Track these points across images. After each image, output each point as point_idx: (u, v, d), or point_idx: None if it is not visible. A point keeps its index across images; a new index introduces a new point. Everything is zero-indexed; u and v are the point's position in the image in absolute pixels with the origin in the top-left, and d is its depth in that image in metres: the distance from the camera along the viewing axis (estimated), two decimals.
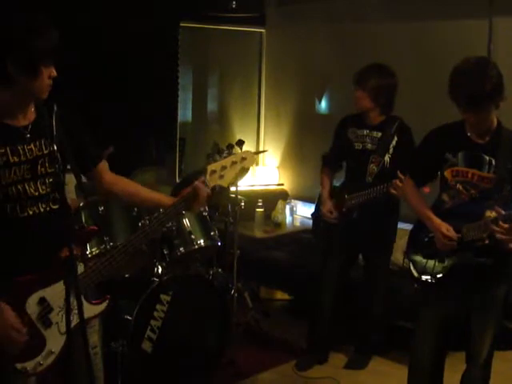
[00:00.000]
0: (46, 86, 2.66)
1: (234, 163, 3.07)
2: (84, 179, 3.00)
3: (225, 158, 3.09)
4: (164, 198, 3.11)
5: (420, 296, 3.74)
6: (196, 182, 3.02)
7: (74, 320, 2.63)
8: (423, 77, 5.88)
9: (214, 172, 3.03)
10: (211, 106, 7.85)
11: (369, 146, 4.80)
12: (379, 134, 4.78)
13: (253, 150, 6.33)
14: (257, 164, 7.36)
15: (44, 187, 2.76)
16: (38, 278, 2.72)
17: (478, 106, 3.25)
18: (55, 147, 2.57)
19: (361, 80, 4.71)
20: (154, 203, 3.11)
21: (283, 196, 7.11)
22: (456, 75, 3.31)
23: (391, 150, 4.74)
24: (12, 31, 2.56)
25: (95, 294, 2.93)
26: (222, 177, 3.05)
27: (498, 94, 3.24)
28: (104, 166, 3.09)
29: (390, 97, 4.74)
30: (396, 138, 4.74)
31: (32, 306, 2.71)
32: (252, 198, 6.23)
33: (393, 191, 4.45)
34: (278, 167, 7.54)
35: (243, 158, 3.11)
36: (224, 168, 3.05)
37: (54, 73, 2.67)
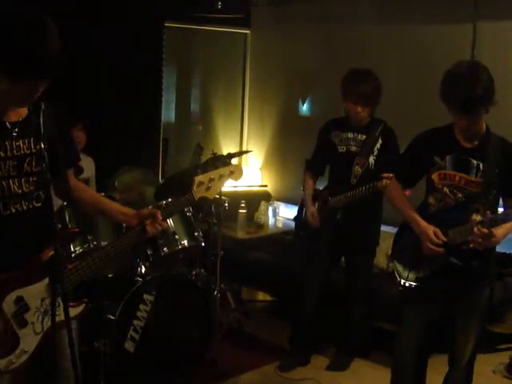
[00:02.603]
0: (29, 97, 2.56)
1: (221, 176, 3.13)
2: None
3: (213, 170, 3.15)
4: (121, 211, 3.04)
5: (403, 298, 3.76)
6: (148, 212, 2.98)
7: (49, 321, 2.62)
8: (408, 79, 5.92)
9: (201, 183, 3.06)
10: (195, 106, 7.85)
11: (353, 148, 4.84)
12: (363, 137, 4.81)
13: (236, 151, 6.27)
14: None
15: (27, 185, 2.73)
16: (17, 276, 2.70)
17: (470, 109, 3.27)
18: (42, 145, 2.55)
19: (366, 99, 4.71)
20: (112, 215, 3.08)
21: (266, 197, 7.11)
22: (448, 78, 3.33)
23: (376, 152, 4.79)
24: (13, 37, 2.44)
25: (72, 296, 2.89)
26: (208, 188, 3.09)
27: (489, 97, 3.27)
28: (71, 170, 3.06)
29: (378, 99, 4.78)
30: (380, 141, 4.79)
31: (9, 304, 2.67)
32: (235, 199, 6.23)
33: (380, 187, 4.46)
34: (260, 168, 7.55)
35: (231, 172, 3.17)
36: (212, 180, 3.09)
37: (44, 87, 2.56)
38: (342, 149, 4.88)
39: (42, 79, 2.54)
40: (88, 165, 5.61)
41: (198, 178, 3.06)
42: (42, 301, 2.73)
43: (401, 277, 3.66)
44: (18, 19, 2.46)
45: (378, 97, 4.77)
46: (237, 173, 3.19)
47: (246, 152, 7.20)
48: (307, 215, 5.00)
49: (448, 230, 3.43)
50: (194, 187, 3.05)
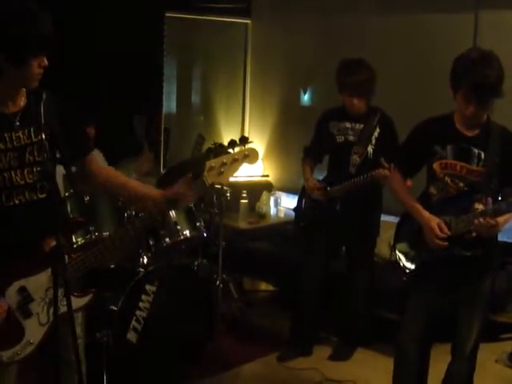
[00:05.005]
0: (35, 75, 2.62)
1: (235, 160, 2.90)
2: (74, 169, 2.97)
3: (226, 153, 2.92)
4: (152, 191, 3.05)
5: (407, 288, 3.75)
6: (180, 181, 2.93)
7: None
8: (409, 69, 5.90)
9: (212, 168, 2.87)
10: (196, 96, 7.83)
11: (351, 138, 4.83)
12: (361, 126, 4.80)
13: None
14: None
15: (31, 176, 2.73)
16: (19, 267, 2.70)
17: (482, 95, 3.23)
18: (43, 136, 2.55)
19: (360, 90, 4.68)
20: (142, 196, 3.03)
21: (268, 187, 7.10)
22: (460, 64, 3.29)
23: (374, 141, 4.78)
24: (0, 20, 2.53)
25: (78, 286, 2.89)
26: (220, 174, 2.88)
27: (500, 86, 3.23)
28: (92, 157, 3.06)
29: (373, 89, 4.76)
30: (378, 129, 4.78)
31: (11, 295, 2.68)
32: (236, 189, 6.22)
33: (377, 175, 4.48)
34: (262, 159, 7.52)
35: (246, 156, 2.94)
36: (224, 165, 2.88)
37: (45, 62, 2.62)
38: (340, 139, 4.86)
39: (43, 55, 2.61)
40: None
41: (209, 163, 2.86)
42: (47, 291, 2.72)
43: (406, 258, 3.65)
44: (5, 9, 2.55)
45: (373, 85, 4.74)
46: (252, 156, 2.95)
47: (247, 143, 7.16)
48: (308, 187, 4.97)
49: (451, 219, 3.42)
50: (205, 172, 2.86)
